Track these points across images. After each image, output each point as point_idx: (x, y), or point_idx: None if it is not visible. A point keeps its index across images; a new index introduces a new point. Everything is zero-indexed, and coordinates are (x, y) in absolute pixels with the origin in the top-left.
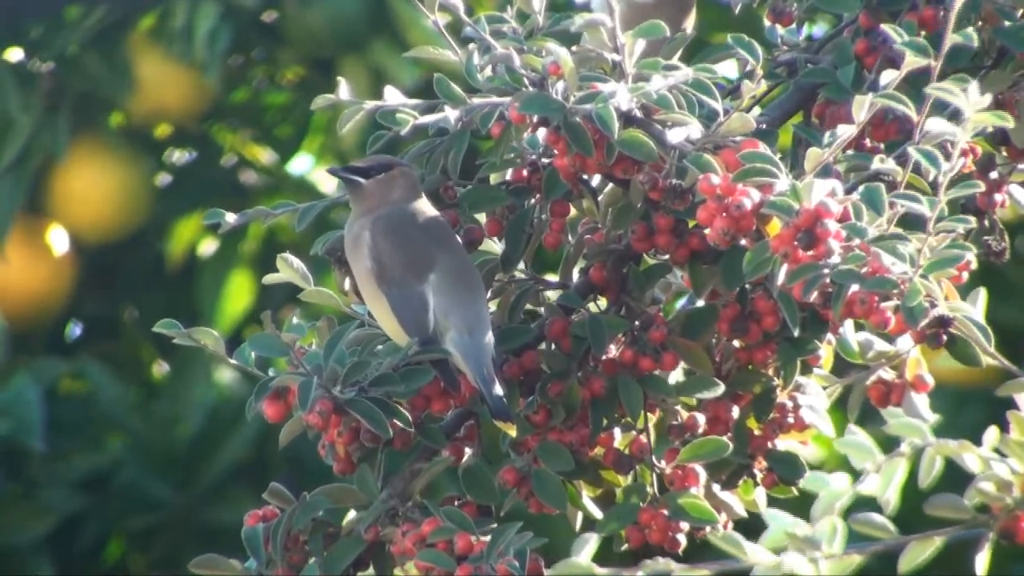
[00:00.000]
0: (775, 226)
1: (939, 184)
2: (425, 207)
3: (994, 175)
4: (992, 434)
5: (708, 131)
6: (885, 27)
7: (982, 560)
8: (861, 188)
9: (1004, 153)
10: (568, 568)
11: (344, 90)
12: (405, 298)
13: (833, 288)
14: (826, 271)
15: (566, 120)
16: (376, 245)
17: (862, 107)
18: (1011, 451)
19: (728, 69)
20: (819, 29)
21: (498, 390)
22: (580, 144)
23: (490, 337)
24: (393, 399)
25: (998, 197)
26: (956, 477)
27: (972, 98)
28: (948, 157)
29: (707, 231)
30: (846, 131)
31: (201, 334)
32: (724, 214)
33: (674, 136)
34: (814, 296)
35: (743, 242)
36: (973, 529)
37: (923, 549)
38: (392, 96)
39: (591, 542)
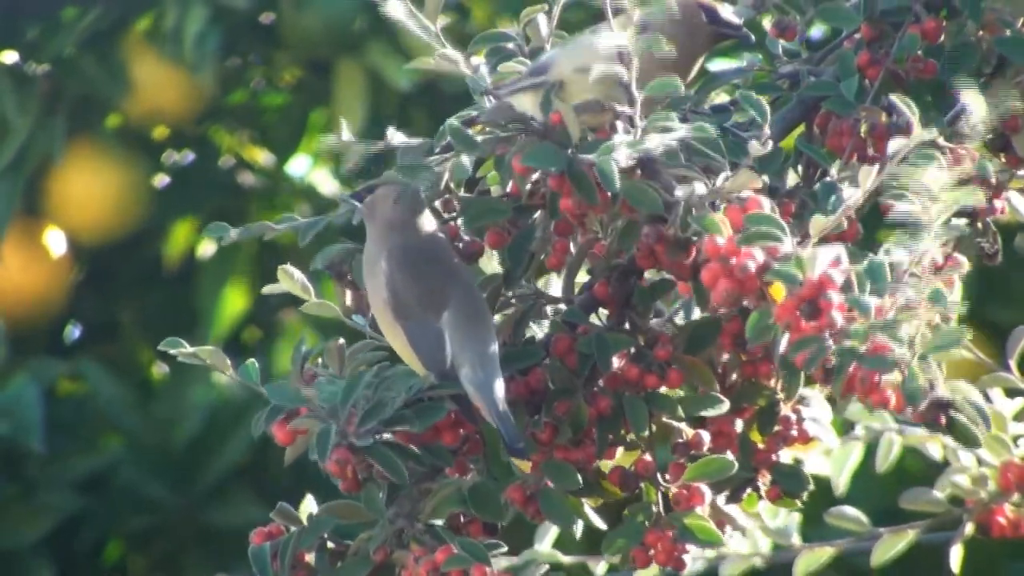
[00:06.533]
0: (779, 289)
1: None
2: (433, 233)
3: (992, 181)
4: None
5: (714, 186)
6: (893, 97)
7: (956, 554)
8: (864, 263)
9: (1002, 159)
10: (532, 555)
11: (346, 132)
12: (422, 332)
13: (835, 362)
14: (829, 344)
15: (570, 168)
16: (393, 277)
17: (869, 176)
18: (986, 445)
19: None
20: (815, 31)
21: (515, 427)
22: (585, 193)
23: (499, 372)
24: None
25: (997, 204)
26: (937, 473)
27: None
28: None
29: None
30: (853, 196)
31: (205, 353)
32: (728, 276)
33: (681, 190)
34: (814, 370)
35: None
36: (948, 522)
37: (895, 542)
38: (396, 137)
39: (551, 531)
